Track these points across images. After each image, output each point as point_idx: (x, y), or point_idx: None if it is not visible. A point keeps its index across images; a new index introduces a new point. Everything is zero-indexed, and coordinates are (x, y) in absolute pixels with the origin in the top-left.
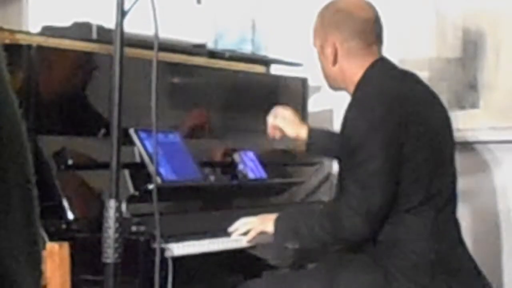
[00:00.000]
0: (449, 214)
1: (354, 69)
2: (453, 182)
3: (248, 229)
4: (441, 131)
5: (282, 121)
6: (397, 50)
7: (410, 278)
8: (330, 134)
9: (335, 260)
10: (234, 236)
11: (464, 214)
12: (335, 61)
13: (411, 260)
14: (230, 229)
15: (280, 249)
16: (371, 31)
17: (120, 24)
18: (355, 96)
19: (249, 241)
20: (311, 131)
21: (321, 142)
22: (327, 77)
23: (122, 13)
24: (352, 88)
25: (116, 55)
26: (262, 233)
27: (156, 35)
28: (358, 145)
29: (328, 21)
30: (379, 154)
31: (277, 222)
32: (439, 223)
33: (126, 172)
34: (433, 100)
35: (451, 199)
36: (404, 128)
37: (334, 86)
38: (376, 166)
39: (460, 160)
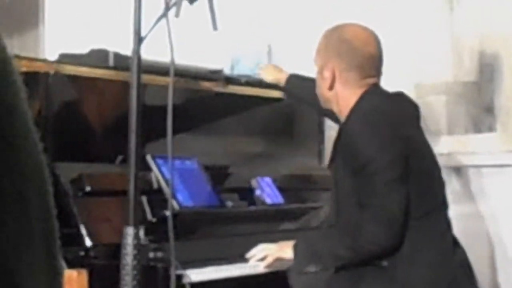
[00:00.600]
0: (447, 219)
1: (349, 95)
2: (444, 188)
3: (266, 255)
4: (426, 144)
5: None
6: (413, 74)
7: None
8: (307, 80)
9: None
10: (251, 262)
11: (484, 236)
12: (331, 87)
13: (428, 274)
14: (248, 255)
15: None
16: (371, 66)
17: (137, 50)
18: (354, 113)
19: (266, 267)
20: (289, 77)
21: (297, 88)
22: (320, 96)
23: (139, 40)
24: (345, 111)
25: (133, 81)
26: (279, 259)
27: (172, 61)
28: (370, 158)
29: (331, 47)
30: (392, 165)
31: (296, 247)
32: (446, 229)
33: (144, 198)
34: (417, 116)
35: (446, 205)
36: (407, 142)
37: (326, 106)
38: (390, 176)
39: (476, 183)
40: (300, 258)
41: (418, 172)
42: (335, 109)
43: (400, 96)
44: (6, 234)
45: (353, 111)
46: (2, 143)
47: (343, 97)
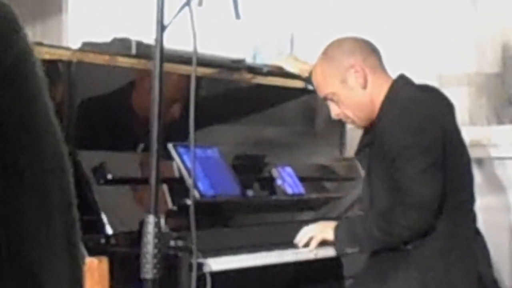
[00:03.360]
0: (474, 213)
1: (380, 86)
2: (473, 182)
3: (310, 238)
4: (460, 136)
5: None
6: (436, 65)
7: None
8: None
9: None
10: (300, 249)
11: (506, 228)
12: (365, 82)
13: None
14: (295, 240)
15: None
16: (376, 51)
17: (160, 39)
18: (390, 101)
19: (311, 250)
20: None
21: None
22: (358, 111)
23: (161, 28)
24: (377, 109)
25: (156, 70)
26: (323, 241)
27: (194, 50)
28: (406, 144)
29: (338, 54)
30: (428, 151)
31: (337, 229)
32: (471, 223)
33: (165, 187)
34: (450, 110)
35: (474, 199)
36: (442, 131)
37: (364, 119)
38: (426, 162)
39: (499, 174)
40: (340, 240)
41: (451, 162)
42: (371, 114)
43: (433, 89)
44: (26, 225)
45: (388, 98)
46: (23, 135)
47: (376, 89)
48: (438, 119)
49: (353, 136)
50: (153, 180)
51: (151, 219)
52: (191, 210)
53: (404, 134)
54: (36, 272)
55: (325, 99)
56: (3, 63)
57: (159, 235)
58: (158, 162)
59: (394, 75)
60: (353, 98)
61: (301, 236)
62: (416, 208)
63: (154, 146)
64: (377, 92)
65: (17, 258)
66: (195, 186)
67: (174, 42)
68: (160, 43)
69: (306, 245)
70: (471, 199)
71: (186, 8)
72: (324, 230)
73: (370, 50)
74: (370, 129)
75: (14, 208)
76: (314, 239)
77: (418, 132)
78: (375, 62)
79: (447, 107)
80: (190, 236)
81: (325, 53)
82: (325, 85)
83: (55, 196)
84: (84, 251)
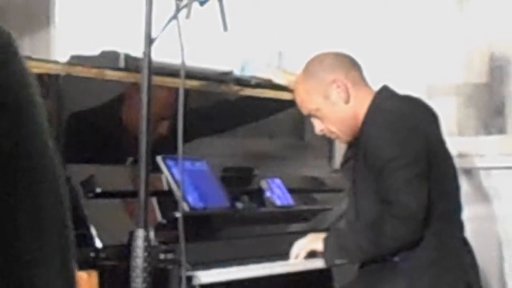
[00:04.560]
0: (461, 222)
1: (363, 99)
2: (459, 191)
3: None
4: (444, 146)
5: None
6: (424, 76)
7: None
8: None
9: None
10: (291, 261)
11: (493, 237)
12: (348, 97)
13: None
14: (292, 256)
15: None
16: (356, 64)
17: (148, 52)
18: (373, 113)
19: (299, 262)
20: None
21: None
22: (342, 126)
23: (149, 41)
24: (360, 123)
25: (144, 83)
26: (312, 251)
27: (183, 63)
28: (391, 156)
29: (320, 70)
30: (412, 162)
31: (326, 241)
32: (459, 232)
33: (154, 200)
34: (434, 120)
35: (461, 208)
36: (427, 142)
37: (348, 134)
38: (411, 173)
39: (487, 185)
40: (329, 251)
41: (437, 172)
42: (354, 127)
43: (416, 100)
44: (21, 245)
45: (371, 111)
46: (21, 159)
47: (360, 99)
48: (422, 130)
49: (342, 148)
50: (142, 194)
51: (140, 233)
52: (180, 223)
53: (389, 146)
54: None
55: (309, 115)
56: (1, 88)
57: (148, 248)
58: (148, 175)
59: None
60: (337, 113)
61: (293, 249)
62: (404, 219)
63: (143, 159)
64: (360, 105)
65: (12, 277)
66: (184, 199)
67: (162, 55)
68: (148, 56)
69: (297, 257)
70: (457, 209)
71: (174, 21)
72: (314, 241)
73: (351, 65)
74: (354, 142)
75: (9, 229)
76: (303, 251)
77: (402, 144)
78: (356, 76)
79: (431, 118)
80: (179, 249)
81: (307, 69)
82: (308, 101)
83: (50, 218)
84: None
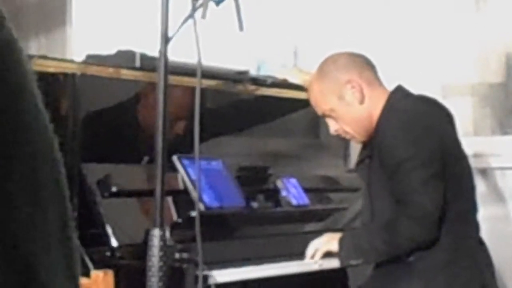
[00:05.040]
0: (476, 223)
1: (377, 99)
2: (475, 192)
3: (316, 250)
4: (460, 147)
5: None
6: (440, 76)
7: None
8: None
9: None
10: (306, 260)
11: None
12: (363, 97)
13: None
14: (307, 256)
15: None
16: (370, 64)
17: (164, 51)
18: (388, 113)
19: (316, 261)
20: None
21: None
22: (356, 126)
23: (165, 41)
24: (375, 123)
25: (160, 82)
26: (328, 252)
27: (199, 63)
28: (406, 156)
29: (334, 71)
30: (428, 162)
31: (341, 241)
32: (474, 233)
33: (170, 199)
34: (449, 120)
35: (476, 208)
36: (442, 142)
37: (363, 134)
38: (426, 173)
39: (502, 185)
40: (345, 251)
41: (452, 173)
42: (369, 128)
43: (431, 99)
44: (19, 217)
45: (385, 111)
46: (11, 123)
47: (374, 99)
48: (437, 129)
49: (358, 148)
50: (158, 193)
51: (156, 232)
52: (197, 222)
53: (403, 146)
54: (31, 264)
55: (323, 115)
56: None
57: (164, 248)
58: (163, 175)
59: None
60: (351, 113)
61: (308, 249)
62: (419, 219)
63: (159, 158)
64: (375, 105)
65: (12, 250)
66: (200, 198)
67: (178, 54)
68: (164, 55)
69: (312, 256)
70: (473, 209)
71: (190, 20)
72: (329, 241)
73: (365, 64)
74: (369, 142)
75: (5, 201)
76: (318, 251)
77: (417, 143)
78: (371, 76)
79: (446, 117)
80: (195, 248)
81: (321, 69)
82: (322, 102)
83: (47, 187)
84: (89, 263)
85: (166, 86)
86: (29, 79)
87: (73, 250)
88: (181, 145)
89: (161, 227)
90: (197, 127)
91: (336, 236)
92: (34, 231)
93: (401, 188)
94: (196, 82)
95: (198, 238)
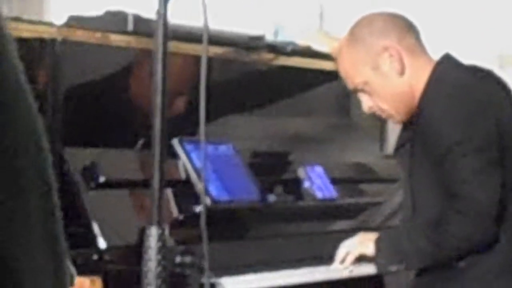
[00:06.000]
0: None
1: (420, 70)
2: None
3: (347, 253)
4: None
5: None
6: (496, 44)
7: None
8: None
9: None
10: (334, 266)
11: None
12: (402, 67)
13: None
14: (336, 261)
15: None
16: (413, 27)
17: (163, 12)
18: (433, 88)
19: (346, 267)
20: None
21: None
22: (394, 103)
23: (165, 0)
24: (418, 99)
25: (158, 50)
26: (361, 256)
27: (205, 26)
28: (456, 141)
29: (368, 36)
30: (481, 148)
31: (378, 242)
32: None
33: (169, 191)
34: (507, 95)
35: None
36: (497, 123)
37: (403, 112)
38: (480, 160)
39: None
40: (382, 255)
41: (511, 160)
42: (411, 103)
43: (486, 71)
44: None
45: (431, 84)
46: None
47: (417, 71)
48: (493, 107)
49: (396, 130)
50: (156, 184)
51: (153, 231)
52: (202, 220)
53: (453, 127)
54: (13, 268)
55: (355, 90)
56: None
57: (163, 250)
58: (162, 162)
59: None
60: (389, 87)
61: (339, 252)
62: (472, 215)
63: (157, 142)
64: (417, 78)
65: None
66: (206, 191)
67: (180, 16)
68: (163, 17)
69: (342, 261)
70: None
71: None
72: (363, 243)
73: (406, 28)
74: (410, 123)
75: None
76: (350, 254)
77: (470, 124)
78: (412, 42)
79: (503, 93)
80: (200, 251)
81: (352, 34)
82: (354, 74)
83: (30, 178)
84: (73, 269)
85: (165, 54)
86: (9, 49)
87: (60, 253)
88: (183, 126)
89: (159, 225)
90: (203, 104)
91: (371, 236)
92: (14, 230)
93: (450, 178)
94: (201, 50)
95: (204, 238)
